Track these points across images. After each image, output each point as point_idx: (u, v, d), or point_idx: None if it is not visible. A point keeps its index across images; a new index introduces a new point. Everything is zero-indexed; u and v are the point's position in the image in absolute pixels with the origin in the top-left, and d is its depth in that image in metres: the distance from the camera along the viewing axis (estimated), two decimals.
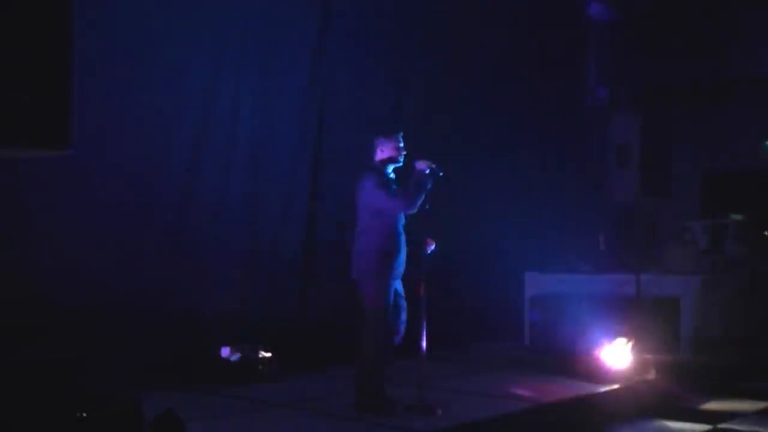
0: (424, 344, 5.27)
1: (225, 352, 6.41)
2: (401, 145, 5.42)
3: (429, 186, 5.30)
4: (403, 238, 5.33)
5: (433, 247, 5.45)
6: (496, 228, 8.61)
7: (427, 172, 5.31)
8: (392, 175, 5.46)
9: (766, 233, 9.64)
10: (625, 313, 6.80)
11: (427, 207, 5.34)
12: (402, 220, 5.36)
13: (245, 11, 6.74)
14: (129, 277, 5.89)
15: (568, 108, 10.20)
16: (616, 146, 7.09)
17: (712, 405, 6.62)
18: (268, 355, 6.53)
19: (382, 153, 5.43)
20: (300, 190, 7.20)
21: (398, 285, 5.40)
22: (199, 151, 6.45)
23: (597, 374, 6.43)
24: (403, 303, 5.43)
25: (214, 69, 6.53)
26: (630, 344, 6.53)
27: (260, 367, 6.42)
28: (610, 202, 8.34)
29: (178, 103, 6.31)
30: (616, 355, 6.48)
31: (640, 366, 6.56)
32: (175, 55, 6.22)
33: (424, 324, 5.28)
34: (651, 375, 6.61)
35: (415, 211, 5.27)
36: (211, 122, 6.52)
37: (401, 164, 5.43)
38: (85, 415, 3.90)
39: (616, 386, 6.31)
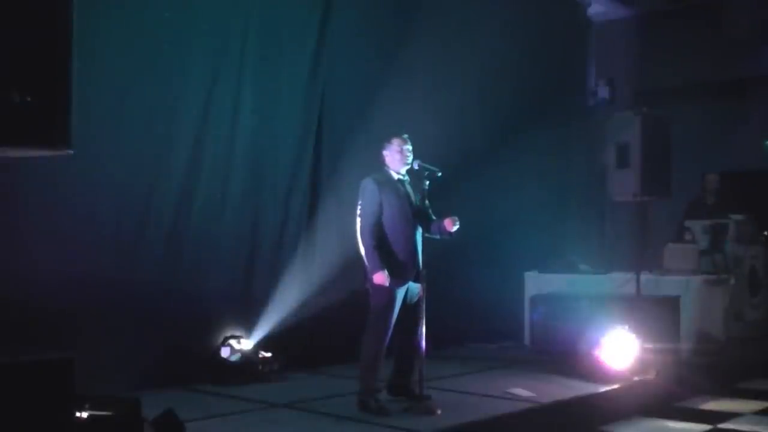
0: (423, 344, 5.27)
1: (225, 352, 6.42)
2: (407, 146, 5.43)
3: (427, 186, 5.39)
4: (403, 239, 5.32)
5: (456, 226, 5.42)
6: (496, 228, 8.61)
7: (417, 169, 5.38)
8: (399, 177, 5.46)
9: (766, 233, 9.63)
10: (625, 313, 6.79)
11: (427, 203, 5.36)
12: (400, 224, 5.35)
13: (246, 11, 6.74)
14: (129, 277, 5.88)
15: (568, 108, 10.19)
16: (616, 146, 7.07)
17: (712, 405, 6.61)
18: (268, 355, 6.53)
19: (388, 155, 5.46)
20: (300, 190, 7.20)
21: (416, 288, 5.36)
22: (199, 151, 6.44)
23: (597, 374, 6.44)
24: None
25: (214, 69, 6.53)
26: (629, 344, 6.52)
27: (260, 367, 6.42)
28: (610, 202, 8.31)
29: (178, 102, 6.31)
30: (616, 355, 6.48)
31: (640, 366, 6.56)
32: (176, 54, 6.22)
33: (424, 324, 5.28)
34: (651, 375, 6.61)
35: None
36: (211, 122, 6.52)
37: (409, 166, 5.45)
38: (85, 415, 3.91)
39: (616, 386, 6.31)
